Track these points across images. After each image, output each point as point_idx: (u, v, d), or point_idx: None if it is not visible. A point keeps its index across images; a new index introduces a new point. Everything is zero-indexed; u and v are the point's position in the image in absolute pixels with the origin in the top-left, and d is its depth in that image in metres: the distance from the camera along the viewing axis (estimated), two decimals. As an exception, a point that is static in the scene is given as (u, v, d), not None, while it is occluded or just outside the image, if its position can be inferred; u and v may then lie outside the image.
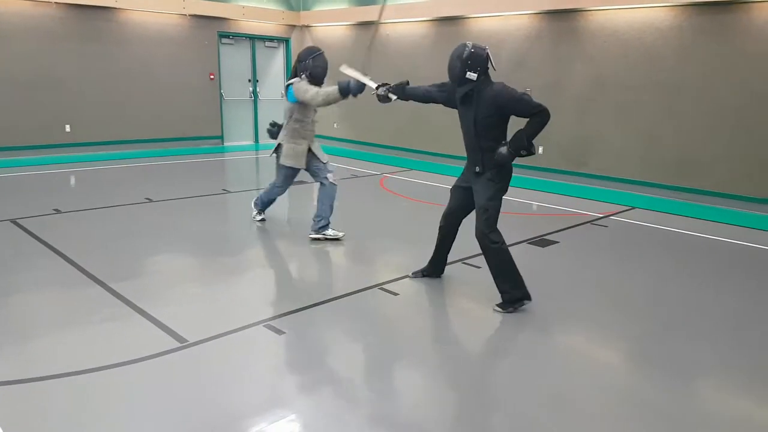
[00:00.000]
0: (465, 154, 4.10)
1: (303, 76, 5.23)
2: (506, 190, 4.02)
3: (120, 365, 3.08)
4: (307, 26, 12.70)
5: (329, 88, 4.97)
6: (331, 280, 4.63)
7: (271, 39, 12.48)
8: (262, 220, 6.02)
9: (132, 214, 6.29)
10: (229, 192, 7.83)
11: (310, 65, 5.23)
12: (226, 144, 12.03)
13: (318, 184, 5.49)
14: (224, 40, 11.75)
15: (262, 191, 5.94)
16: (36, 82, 9.56)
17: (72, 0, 9.56)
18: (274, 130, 5.62)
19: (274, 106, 12.95)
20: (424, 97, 4.32)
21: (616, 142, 8.27)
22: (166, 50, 10.91)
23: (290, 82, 5.30)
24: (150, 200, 6.86)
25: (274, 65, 12.78)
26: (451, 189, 4.30)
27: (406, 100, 4.38)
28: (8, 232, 5.42)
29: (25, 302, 3.95)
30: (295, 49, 12.83)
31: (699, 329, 3.75)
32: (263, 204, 5.93)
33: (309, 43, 12.81)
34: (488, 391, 3.02)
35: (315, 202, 5.49)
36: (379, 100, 4.41)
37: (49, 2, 9.41)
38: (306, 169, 5.45)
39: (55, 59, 9.74)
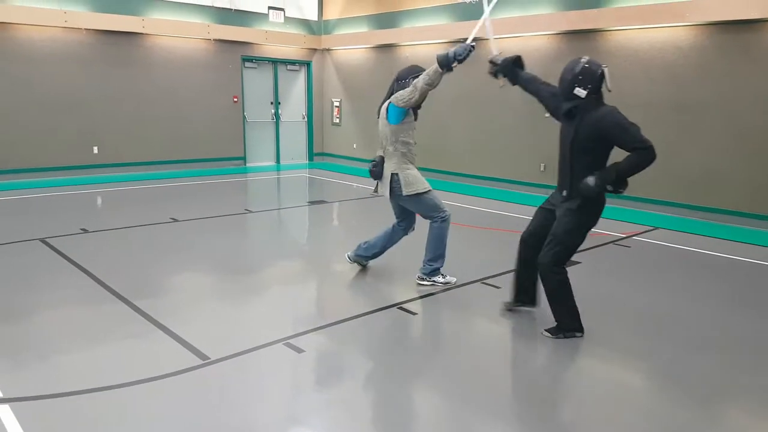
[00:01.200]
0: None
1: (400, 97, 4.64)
2: (592, 226, 3.67)
3: (143, 381, 3.13)
4: (328, 50, 12.92)
5: (428, 72, 4.46)
6: (351, 298, 4.66)
7: (293, 62, 12.73)
8: (364, 265, 5.21)
9: (157, 234, 6.41)
10: (251, 212, 7.94)
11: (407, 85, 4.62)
12: (248, 165, 12.23)
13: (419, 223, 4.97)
14: (247, 64, 12.01)
15: (374, 240, 5.04)
16: (65, 106, 9.87)
17: (101, 26, 9.89)
18: (377, 170, 4.77)
19: (296, 128, 13.15)
20: (536, 92, 4.01)
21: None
22: (191, 74, 11.19)
23: (389, 102, 4.64)
24: (175, 220, 6.99)
25: (296, 88, 13.01)
26: (536, 211, 3.97)
27: (514, 84, 4.09)
28: (37, 251, 5.57)
29: (52, 319, 4.05)
30: (317, 73, 13.07)
31: (726, 351, 3.68)
32: (375, 254, 5.08)
33: (330, 67, 13.04)
34: (507, 412, 3.00)
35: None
36: (490, 72, 4.21)
37: (79, 29, 9.75)
38: (392, 199, 4.80)
39: (84, 83, 10.05)
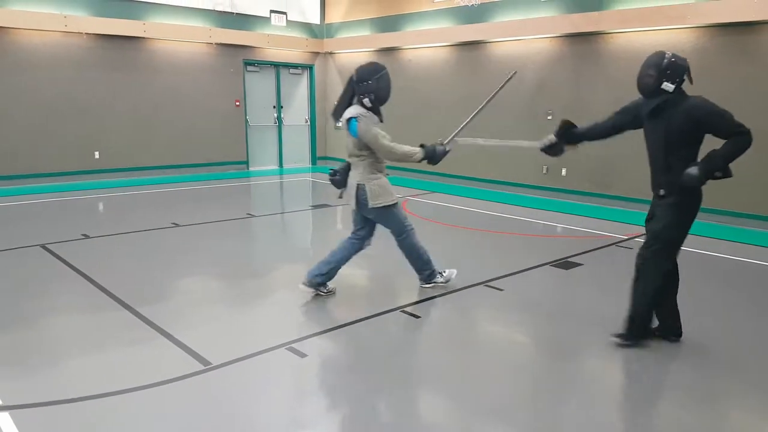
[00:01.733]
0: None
1: (366, 100, 4.33)
2: (692, 222, 3.52)
3: (146, 387, 3.11)
4: (331, 53, 12.93)
5: (410, 150, 4.33)
6: (354, 302, 4.64)
7: (295, 66, 12.73)
8: (329, 292, 4.63)
9: (159, 239, 6.40)
10: (253, 216, 7.93)
11: (374, 87, 4.33)
12: (251, 169, 12.23)
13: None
14: (249, 68, 12.02)
15: (329, 255, 4.53)
16: (66, 110, 9.87)
17: (102, 31, 9.91)
18: (338, 178, 4.52)
19: (298, 132, 13.15)
20: (606, 131, 3.94)
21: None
22: (192, 78, 11.20)
23: (353, 115, 4.32)
24: (176, 225, 6.98)
25: (299, 92, 13.01)
26: (645, 223, 3.80)
27: (577, 144, 4.04)
28: (38, 257, 5.56)
29: (54, 325, 4.03)
30: (319, 76, 13.07)
31: (731, 357, 3.65)
32: (331, 270, 4.53)
33: (333, 70, 13.04)
34: (512, 415, 2.97)
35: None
36: (550, 154, 4.07)
37: (80, 33, 9.77)
38: (360, 210, 4.48)
39: (85, 88, 10.06)
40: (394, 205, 4.46)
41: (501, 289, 4.74)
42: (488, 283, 4.89)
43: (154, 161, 10.90)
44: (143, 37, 10.42)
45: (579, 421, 2.87)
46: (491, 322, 4.20)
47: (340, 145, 13.11)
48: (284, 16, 12.08)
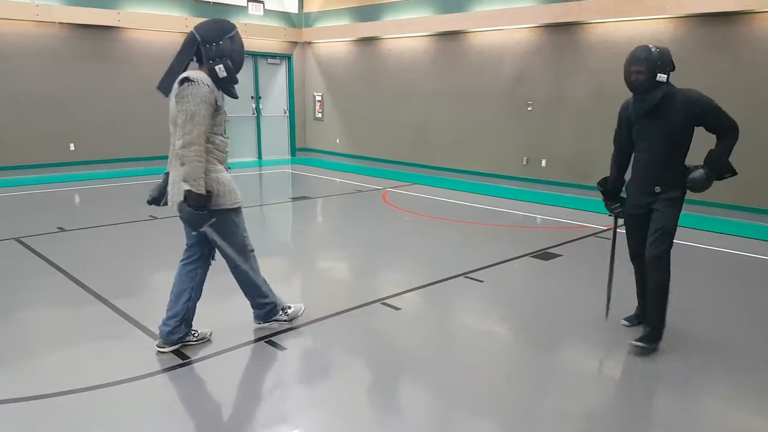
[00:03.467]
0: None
1: (220, 67, 3.27)
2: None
3: (123, 382, 3.06)
4: (309, 43, 12.81)
5: (200, 167, 3.15)
6: (333, 295, 4.62)
7: (273, 56, 12.59)
8: (202, 339, 3.56)
9: (136, 232, 6.30)
10: (232, 208, 7.84)
11: (227, 49, 3.28)
12: (229, 161, 12.05)
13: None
14: (227, 58, 11.83)
15: (172, 297, 3.53)
16: (40, 102, 9.64)
17: (75, 20, 9.67)
18: (157, 194, 3.61)
19: (277, 123, 13.03)
20: (626, 161, 3.79)
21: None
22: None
23: (188, 76, 3.20)
24: (154, 217, 6.88)
25: (277, 82, 12.87)
26: (625, 221, 3.76)
27: (618, 192, 3.86)
28: (13, 251, 5.43)
29: (29, 319, 3.95)
30: (298, 66, 12.94)
31: (717, 345, 3.71)
32: (188, 310, 3.48)
33: (312, 60, 12.91)
34: (493, 407, 2.99)
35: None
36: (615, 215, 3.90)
37: (52, 23, 9.53)
38: (195, 230, 3.42)
39: (59, 79, 9.83)
40: (237, 210, 3.46)
41: (481, 281, 4.76)
42: (468, 275, 4.90)
43: (129, 153, 10.71)
44: (118, 27, 10.20)
45: (561, 411, 2.90)
46: (471, 313, 4.21)
47: (319, 136, 13.03)
48: (261, 5, 11.91)
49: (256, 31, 11.86)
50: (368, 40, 11.52)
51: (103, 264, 5.12)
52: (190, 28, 3.45)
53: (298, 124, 13.22)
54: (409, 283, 4.67)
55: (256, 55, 12.27)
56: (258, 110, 12.55)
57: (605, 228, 6.65)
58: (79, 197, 8.26)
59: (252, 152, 12.66)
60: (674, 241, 3.49)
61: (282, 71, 12.90)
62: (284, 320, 3.82)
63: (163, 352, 3.38)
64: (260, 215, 7.71)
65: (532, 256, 5.51)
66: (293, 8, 12.61)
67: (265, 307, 3.74)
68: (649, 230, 3.53)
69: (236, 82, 3.37)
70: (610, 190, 3.85)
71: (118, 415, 2.79)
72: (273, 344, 3.56)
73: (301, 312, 3.92)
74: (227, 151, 3.50)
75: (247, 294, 3.72)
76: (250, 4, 11.75)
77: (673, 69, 3.45)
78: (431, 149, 10.68)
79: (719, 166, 3.39)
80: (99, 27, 10.00)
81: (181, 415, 2.83)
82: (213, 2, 11.23)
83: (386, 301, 4.31)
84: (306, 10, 12.69)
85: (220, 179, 3.36)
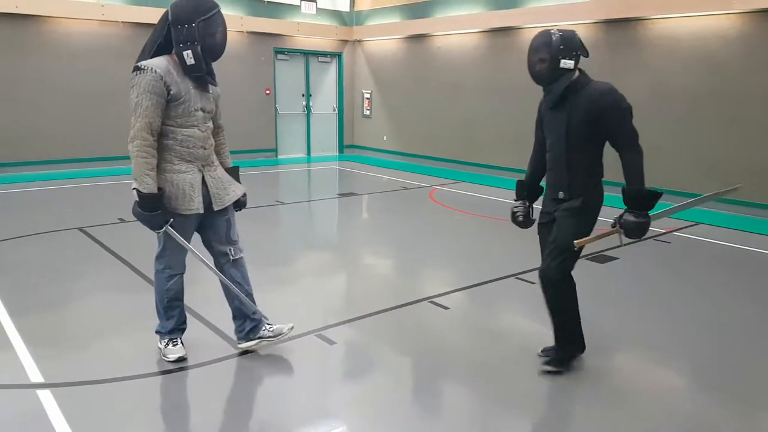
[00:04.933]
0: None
1: (188, 54, 2.90)
2: (593, 225, 3.13)
3: (178, 371, 3.16)
4: (360, 41, 12.88)
5: (144, 162, 2.95)
6: (381, 292, 4.64)
7: (324, 54, 12.72)
8: (179, 359, 3.23)
9: (190, 224, 6.49)
10: (282, 203, 7.98)
11: (198, 33, 2.89)
12: (279, 156, 12.30)
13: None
14: (279, 56, 12.06)
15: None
16: (103, 98, 10.05)
17: (138, 19, 10.04)
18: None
19: (327, 120, 13.17)
20: (542, 162, 3.34)
21: (677, 154, 7.96)
22: (224, 66, 11.13)
23: (138, 65, 2.98)
24: (207, 211, 7.06)
25: (327, 80, 13.01)
26: (538, 231, 3.35)
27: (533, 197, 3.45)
28: (76, 240, 5.69)
29: (89, 306, 4.13)
30: (347, 65, 13.03)
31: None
32: (168, 312, 3.26)
33: (361, 58, 12.97)
34: (536, 412, 2.93)
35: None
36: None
37: (116, 22, 9.91)
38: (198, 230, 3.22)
39: (121, 75, 10.19)
40: (190, 217, 3.10)
41: (532, 282, 4.68)
42: (519, 276, 4.83)
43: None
44: (176, 25, 10.50)
45: (614, 418, 2.82)
46: (521, 316, 4.15)
47: (367, 133, 13.10)
48: (314, 4, 12.05)
49: (308, 29, 12.01)
50: (417, 38, 11.49)
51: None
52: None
53: (346, 121, 13.32)
54: (458, 282, 4.63)
55: (307, 54, 12.43)
56: (308, 107, 12.72)
57: (663, 231, 6.43)
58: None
59: (302, 149, 12.85)
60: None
61: (332, 69, 13.02)
62: (270, 337, 3.33)
63: (240, 348, 3.34)
64: (308, 211, 7.82)
65: (587, 259, 5.38)
66: (345, 7, 12.70)
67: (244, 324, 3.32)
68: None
69: (204, 71, 2.93)
70: (526, 195, 3.38)
71: (173, 402, 2.89)
72: (323, 338, 3.60)
73: (287, 330, 3.35)
74: (205, 148, 3.10)
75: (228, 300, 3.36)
76: (303, 3, 11.91)
77: (586, 55, 3.03)
78: (479, 147, 10.56)
79: (642, 201, 2.88)
80: (158, 26, 10.35)
81: (232, 404, 2.90)
82: (268, 1, 11.43)
83: (434, 299, 4.30)
84: (357, 8, 12.76)
85: (174, 180, 2.97)
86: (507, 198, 8.33)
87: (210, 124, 3.19)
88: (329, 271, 5.25)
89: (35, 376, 3.07)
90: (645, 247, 5.82)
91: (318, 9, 12.16)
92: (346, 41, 12.88)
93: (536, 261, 5.15)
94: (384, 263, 5.20)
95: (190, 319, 3.86)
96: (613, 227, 3.03)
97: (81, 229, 6.04)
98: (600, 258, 5.38)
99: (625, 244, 3.14)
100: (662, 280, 4.88)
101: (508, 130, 10.05)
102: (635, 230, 2.92)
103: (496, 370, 3.28)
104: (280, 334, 3.35)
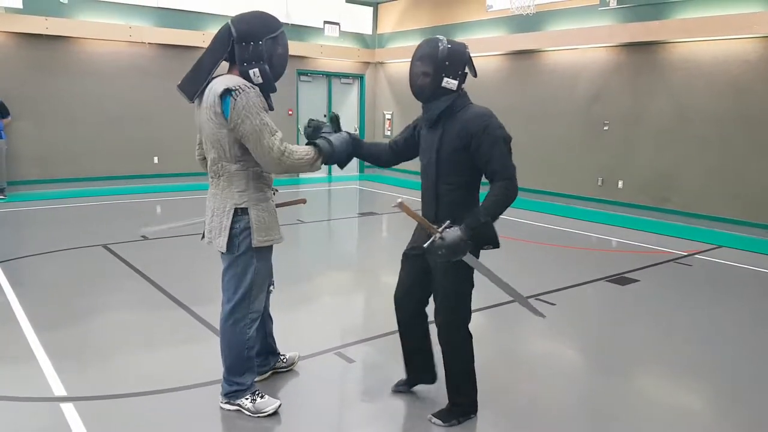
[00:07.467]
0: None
1: (255, 72, 2.75)
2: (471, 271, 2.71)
3: (198, 386, 3.18)
4: (381, 63, 13.04)
5: (303, 150, 2.80)
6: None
7: (346, 76, 12.89)
8: (291, 364, 3.40)
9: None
10: (303, 222, 8.04)
11: (267, 51, 2.77)
12: (301, 176, 12.42)
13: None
14: (302, 78, 12.25)
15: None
16: (129, 116, 10.29)
17: (163, 41, 10.31)
18: (312, 130, 3.00)
19: (348, 140, 13.27)
20: (382, 150, 3.10)
21: (699, 177, 7.86)
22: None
23: (229, 86, 2.67)
24: (229, 228, 7.14)
25: (349, 101, 13.17)
26: (402, 257, 3.04)
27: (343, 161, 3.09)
28: (99, 256, 5.79)
29: (112, 321, 4.19)
30: (369, 86, 13.17)
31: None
32: (250, 362, 2.95)
33: (383, 80, 13.11)
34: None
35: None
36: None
37: (142, 43, 10.19)
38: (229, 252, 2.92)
39: (146, 95, 10.47)
40: (269, 250, 2.99)
41: (553, 304, 4.63)
42: (540, 297, 4.79)
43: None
44: (202, 47, 10.72)
45: (635, 441, 2.76)
46: (540, 337, 4.10)
47: (389, 154, 13.15)
48: (337, 26, 12.25)
49: (331, 51, 12.20)
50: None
51: (184, 271, 5.37)
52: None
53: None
54: (478, 303, 4.57)
55: (330, 75, 12.61)
56: (329, 128, 12.85)
57: (685, 254, 6.33)
58: (162, 208, 8.71)
59: (323, 169, 12.95)
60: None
61: (354, 90, 13.18)
62: (247, 408, 2.90)
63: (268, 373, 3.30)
64: (328, 229, 7.86)
65: (608, 281, 5.31)
66: (367, 30, 12.89)
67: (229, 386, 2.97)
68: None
69: (273, 90, 2.78)
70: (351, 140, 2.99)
71: (193, 418, 2.90)
72: (342, 356, 3.59)
73: (272, 409, 2.91)
74: (272, 175, 2.94)
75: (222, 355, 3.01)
76: (326, 25, 12.12)
77: (474, 75, 2.76)
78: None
79: (480, 227, 2.53)
80: (185, 47, 10.60)
81: (252, 421, 2.90)
82: (292, 24, 11.66)
83: (454, 319, 4.26)
84: (379, 31, 12.95)
85: (270, 209, 2.88)
86: (530, 219, 8.29)
87: None
88: (349, 290, 5.26)
89: (58, 389, 3.11)
90: (666, 270, 5.73)
91: (341, 32, 12.37)
92: (368, 63, 13.05)
93: (557, 282, 5.13)
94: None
95: (207, 333, 3.89)
96: (437, 228, 2.61)
97: (105, 246, 6.14)
98: (621, 280, 5.31)
99: (424, 251, 2.75)
100: (685, 302, 4.79)
101: (530, 151, 10.01)
102: (451, 246, 2.51)
103: (516, 390, 3.24)
104: (292, 364, 3.40)
